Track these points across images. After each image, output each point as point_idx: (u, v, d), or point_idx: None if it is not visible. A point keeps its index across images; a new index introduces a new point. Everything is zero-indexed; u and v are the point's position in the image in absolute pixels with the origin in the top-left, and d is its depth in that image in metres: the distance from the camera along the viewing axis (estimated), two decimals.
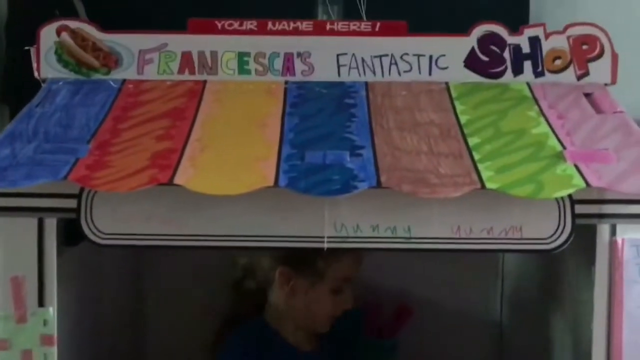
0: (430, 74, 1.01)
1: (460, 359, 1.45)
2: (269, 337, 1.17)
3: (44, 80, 1.02)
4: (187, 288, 1.38)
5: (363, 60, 1.02)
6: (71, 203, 0.81)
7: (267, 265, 1.17)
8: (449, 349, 1.45)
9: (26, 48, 1.02)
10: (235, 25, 1.02)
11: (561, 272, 1.12)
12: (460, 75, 1.01)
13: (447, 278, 1.44)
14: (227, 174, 0.79)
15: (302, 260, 1.12)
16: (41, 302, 0.82)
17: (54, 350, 0.82)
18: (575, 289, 1.01)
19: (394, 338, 1.43)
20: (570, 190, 0.76)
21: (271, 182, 0.77)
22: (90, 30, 1.02)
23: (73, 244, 0.99)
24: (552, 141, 0.86)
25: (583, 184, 0.76)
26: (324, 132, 0.88)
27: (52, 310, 0.82)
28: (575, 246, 0.95)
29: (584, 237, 0.82)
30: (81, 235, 0.81)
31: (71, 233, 0.94)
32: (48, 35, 1.02)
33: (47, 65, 1.02)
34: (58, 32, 1.01)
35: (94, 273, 1.15)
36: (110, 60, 1.02)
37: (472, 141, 0.86)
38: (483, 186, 0.77)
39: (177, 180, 0.77)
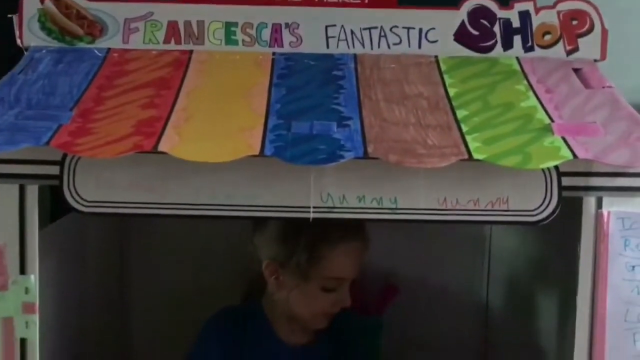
0: (419, 47, 1.01)
1: (446, 337, 1.45)
2: (257, 325, 1.14)
3: (26, 48, 1.00)
4: (172, 260, 1.37)
5: (352, 32, 1.01)
6: (53, 170, 0.79)
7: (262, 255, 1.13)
8: (434, 328, 1.45)
9: (9, 16, 1.00)
10: None
11: (547, 249, 1.12)
12: (449, 48, 1.01)
13: (434, 257, 1.45)
14: (212, 143, 0.78)
15: (289, 257, 1.08)
16: (23, 270, 0.81)
17: (36, 317, 0.81)
18: (561, 265, 1.02)
19: (380, 316, 1.44)
20: (558, 162, 0.76)
21: (257, 151, 0.76)
22: None
23: (57, 218, 0.98)
24: (540, 114, 0.85)
25: (570, 156, 0.76)
26: (311, 103, 0.87)
27: (33, 278, 0.81)
28: (562, 221, 0.95)
29: (570, 212, 0.82)
30: (63, 203, 0.80)
31: (56, 207, 0.94)
32: (31, 2, 1.00)
33: (30, 33, 1.00)
34: None
35: (77, 244, 1.14)
36: (95, 28, 1.00)
37: (460, 114, 0.86)
38: (470, 157, 0.76)
39: (162, 147, 0.76)
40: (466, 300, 1.46)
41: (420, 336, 1.44)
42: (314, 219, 0.80)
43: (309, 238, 1.06)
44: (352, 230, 1.08)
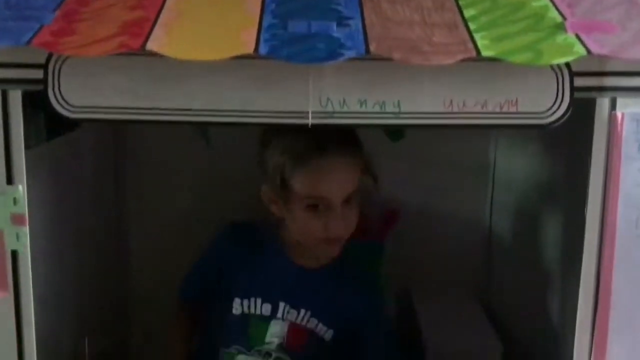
0: None
1: (448, 264, 1.44)
2: (270, 242, 1.10)
3: None
4: (170, 183, 1.35)
5: None
6: (37, 74, 0.75)
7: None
8: (436, 255, 1.44)
9: None
10: None
11: (554, 169, 1.09)
12: None
13: (437, 183, 1.42)
14: (204, 41, 0.74)
15: (271, 181, 1.03)
16: (10, 180, 0.77)
17: (26, 229, 0.78)
18: (567, 186, 0.99)
19: (380, 241, 1.42)
20: (571, 58, 0.72)
21: (251, 49, 0.71)
22: None
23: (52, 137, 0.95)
24: (553, 13, 0.80)
25: (584, 52, 0.72)
26: (308, 3, 0.82)
27: (21, 189, 0.77)
28: (571, 132, 0.91)
29: (581, 116, 0.79)
30: (49, 107, 0.76)
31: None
32: None
33: None
34: None
35: (70, 170, 1.11)
36: None
37: (467, 13, 0.80)
38: (479, 54, 0.72)
39: (150, 46, 0.71)
40: (469, 226, 1.44)
41: (422, 261, 1.43)
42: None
43: (277, 159, 1.01)
44: (323, 145, 1.00)
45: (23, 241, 0.78)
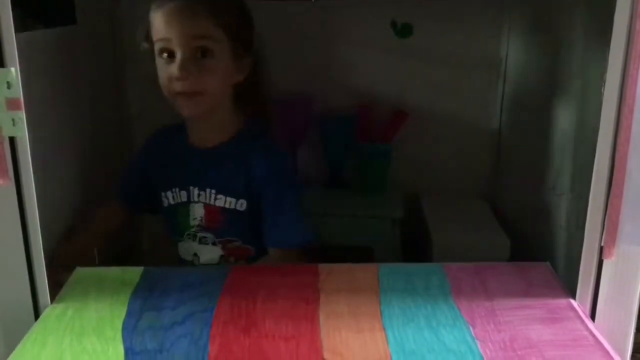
0: None
1: (456, 165, 1.42)
2: (177, 134, 1.11)
3: None
4: None
5: None
6: None
7: None
8: (443, 155, 1.42)
9: None
10: None
11: (568, 57, 1.05)
12: None
13: (445, 82, 1.38)
14: None
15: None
16: (2, 63, 0.74)
17: (22, 114, 0.75)
18: (583, 74, 0.95)
19: (388, 143, 1.40)
20: None
21: None
22: None
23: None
24: None
25: None
26: None
27: (14, 71, 0.74)
28: (587, 20, 0.87)
29: (597, 4, 0.74)
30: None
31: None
32: None
33: None
34: None
35: (67, 63, 1.08)
36: None
37: None
38: None
39: None
40: (478, 126, 1.41)
41: (429, 163, 1.41)
42: None
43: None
44: None
45: (20, 126, 0.76)
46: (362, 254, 1.30)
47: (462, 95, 1.39)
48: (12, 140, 0.77)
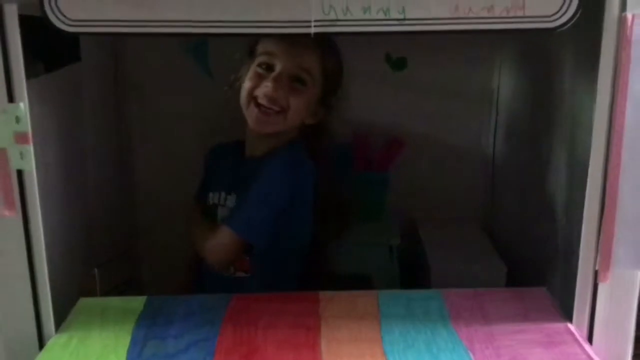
0: None
1: (452, 192, 1.44)
2: (233, 147, 1.17)
3: None
4: (173, 117, 1.35)
5: None
6: None
7: None
8: (440, 183, 1.44)
9: None
10: None
11: (559, 90, 1.08)
12: None
13: (440, 111, 1.41)
14: None
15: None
16: (11, 98, 0.77)
17: (30, 148, 0.77)
18: (573, 102, 0.98)
19: (385, 171, 1.42)
20: None
21: None
22: None
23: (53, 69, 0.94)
24: None
25: None
26: None
27: (23, 106, 0.77)
28: (576, 50, 0.90)
29: (588, 27, 0.77)
30: (46, 21, 0.74)
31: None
32: None
33: None
34: None
35: (72, 101, 1.11)
36: None
37: None
38: None
39: None
40: (473, 154, 1.44)
41: (426, 190, 1.43)
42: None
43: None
44: None
45: (28, 160, 0.78)
46: (360, 282, 1.31)
47: (457, 124, 1.42)
48: (19, 173, 0.78)
